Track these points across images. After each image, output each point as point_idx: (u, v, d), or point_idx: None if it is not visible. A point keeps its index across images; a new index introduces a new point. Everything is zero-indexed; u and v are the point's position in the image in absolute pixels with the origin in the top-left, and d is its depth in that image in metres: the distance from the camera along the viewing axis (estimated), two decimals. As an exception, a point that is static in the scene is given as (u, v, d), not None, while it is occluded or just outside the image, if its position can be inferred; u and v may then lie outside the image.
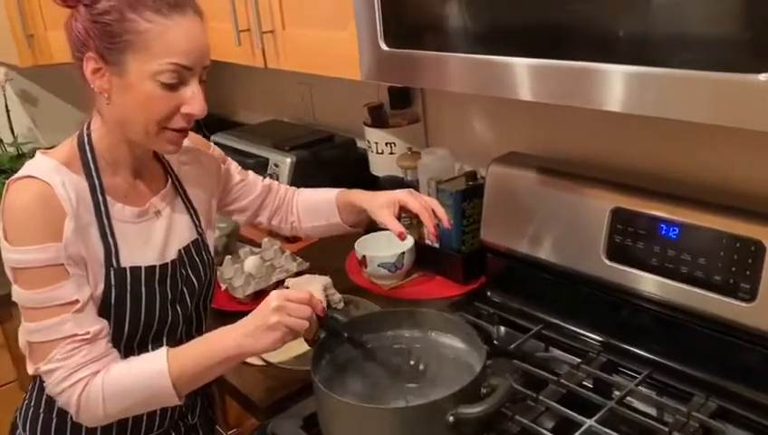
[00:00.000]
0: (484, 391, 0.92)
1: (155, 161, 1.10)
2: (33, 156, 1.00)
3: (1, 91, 2.05)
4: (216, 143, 1.91)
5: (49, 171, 0.94)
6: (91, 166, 0.98)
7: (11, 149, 2.07)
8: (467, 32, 0.92)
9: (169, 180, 1.11)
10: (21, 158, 2.01)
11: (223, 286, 1.46)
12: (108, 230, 0.98)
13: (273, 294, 0.94)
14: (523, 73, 0.86)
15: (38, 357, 0.93)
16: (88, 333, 0.92)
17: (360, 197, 1.24)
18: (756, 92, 0.63)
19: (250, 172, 1.29)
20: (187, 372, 0.94)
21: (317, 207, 1.29)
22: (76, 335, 0.91)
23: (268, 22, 1.37)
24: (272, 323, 0.92)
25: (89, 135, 1.00)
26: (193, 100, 0.95)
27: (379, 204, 1.18)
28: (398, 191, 1.19)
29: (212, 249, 1.16)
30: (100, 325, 0.94)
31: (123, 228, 1.00)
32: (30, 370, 0.96)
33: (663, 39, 0.72)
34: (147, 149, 1.03)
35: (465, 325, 1.05)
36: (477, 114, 1.52)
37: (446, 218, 1.17)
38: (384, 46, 1.00)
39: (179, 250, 1.08)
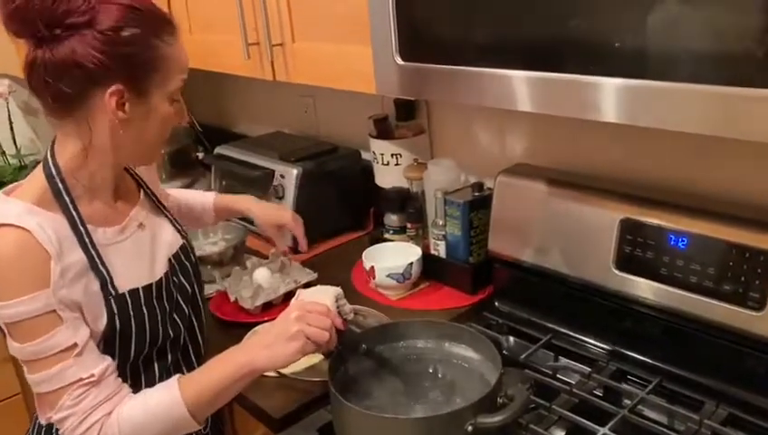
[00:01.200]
0: (500, 401, 0.93)
1: (126, 175, 1.08)
2: (35, 167, 0.97)
3: (4, 103, 2.05)
4: (220, 155, 1.93)
5: (23, 215, 0.89)
6: (66, 199, 0.93)
7: (14, 161, 2.07)
8: (481, 46, 0.93)
9: (141, 191, 1.09)
10: (23, 169, 2.01)
11: (232, 297, 1.46)
12: (98, 260, 0.95)
13: (294, 304, 0.95)
14: (535, 86, 0.88)
15: (48, 407, 0.92)
16: (93, 375, 0.90)
17: (250, 205, 1.41)
18: (762, 106, 0.65)
19: None
20: (202, 398, 0.94)
21: (190, 208, 1.38)
22: (81, 380, 0.89)
23: (278, 35, 1.39)
24: (293, 333, 0.93)
25: (56, 166, 0.94)
26: (182, 110, 0.99)
27: (269, 222, 1.40)
28: (286, 214, 1.42)
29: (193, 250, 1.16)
30: (104, 364, 0.93)
31: (110, 252, 0.97)
32: (42, 420, 0.95)
33: (670, 54, 0.75)
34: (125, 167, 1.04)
35: (480, 335, 1.06)
36: (482, 126, 1.54)
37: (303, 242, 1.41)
38: (399, 61, 1.02)
39: (169, 259, 1.06)
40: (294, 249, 1.49)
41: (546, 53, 0.86)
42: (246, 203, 1.42)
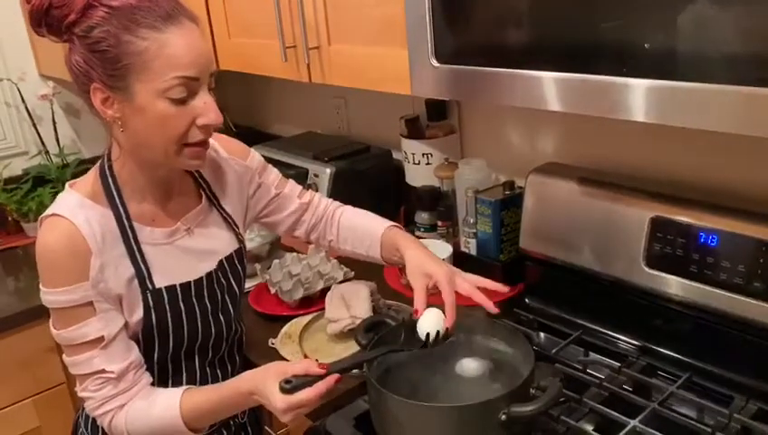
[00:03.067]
0: (533, 392, 0.96)
1: (186, 178, 1.09)
2: (77, 166, 1.03)
3: (48, 104, 2.13)
4: (255, 154, 1.98)
5: (74, 208, 0.96)
6: (115, 196, 0.99)
7: (56, 160, 2.15)
8: (514, 49, 0.97)
9: (203, 196, 1.11)
10: (66, 168, 2.09)
11: (273, 290, 1.50)
12: (138, 256, 1.00)
13: (278, 403, 0.91)
14: (566, 87, 0.91)
15: (78, 384, 1.01)
16: (113, 372, 0.97)
17: (406, 245, 1.12)
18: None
19: (288, 184, 1.25)
20: (201, 419, 1.00)
21: (360, 236, 1.22)
22: (104, 371, 0.97)
23: (314, 38, 1.43)
24: (287, 419, 0.93)
25: (110, 166, 1.00)
26: (206, 109, 0.93)
27: (417, 271, 1.07)
28: (440, 270, 1.06)
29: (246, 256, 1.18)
30: (128, 361, 0.99)
31: (155, 251, 1.02)
32: (78, 392, 1.03)
33: (697, 55, 0.77)
34: (171, 169, 1.02)
35: (513, 329, 1.10)
36: (512, 126, 1.57)
37: (489, 304, 1.06)
38: (435, 63, 1.05)
39: (221, 260, 1.10)
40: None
41: (577, 54, 0.89)
42: (407, 241, 1.14)
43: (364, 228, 1.22)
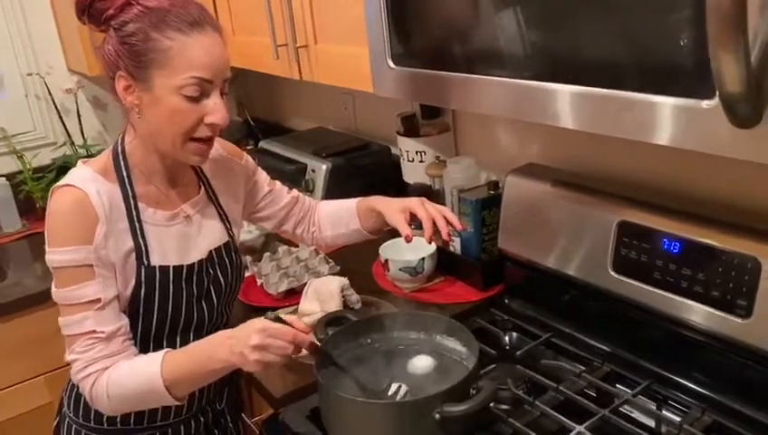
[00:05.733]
0: (473, 392, 0.97)
1: (189, 170, 1.18)
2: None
3: (73, 97, 2.24)
4: (262, 149, 2.04)
5: (86, 180, 1.04)
6: (125, 175, 1.08)
7: (81, 151, 2.25)
8: (466, 53, 0.97)
9: (202, 188, 1.19)
10: (90, 158, 2.19)
11: (259, 281, 1.55)
12: (139, 232, 1.07)
13: (257, 327, 0.98)
14: (511, 92, 0.91)
15: (67, 347, 1.05)
16: (104, 332, 1.02)
17: (378, 201, 1.30)
18: (703, 118, 0.66)
19: (277, 183, 1.37)
20: (179, 381, 1.02)
21: (338, 215, 1.36)
22: (94, 332, 1.01)
23: (303, 37, 1.46)
24: (251, 360, 0.97)
25: (123, 147, 1.09)
26: (215, 110, 1.02)
27: (393, 209, 1.24)
28: (411, 199, 1.24)
29: (238, 251, 1.24)
30: (118, 325, 1.04)
31: (154, 231, 1.09)
32: (64, 357, 1.07)
33: (621, 64, 0.77)
34: (176, 159, 1.10)
35: (466, 330, 1.10)
36: (504, 125, 1.56)
37: (456, 222, 1.21)
38: (391, 64, 1.07)
39: (210, 251, 1.16)
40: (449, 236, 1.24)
41: (521, 61, 0.89)
42: (378, 200, 1.33)
43: (340, 209, 1.37)
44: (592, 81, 0.78)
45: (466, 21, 0.94)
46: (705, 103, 0.65)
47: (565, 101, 0.82)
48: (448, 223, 1.20)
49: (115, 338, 1.03)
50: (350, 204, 1.35)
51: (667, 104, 0.70)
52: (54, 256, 1.02)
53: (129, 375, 1.02)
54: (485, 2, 0.90)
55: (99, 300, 1.02)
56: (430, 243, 1.20)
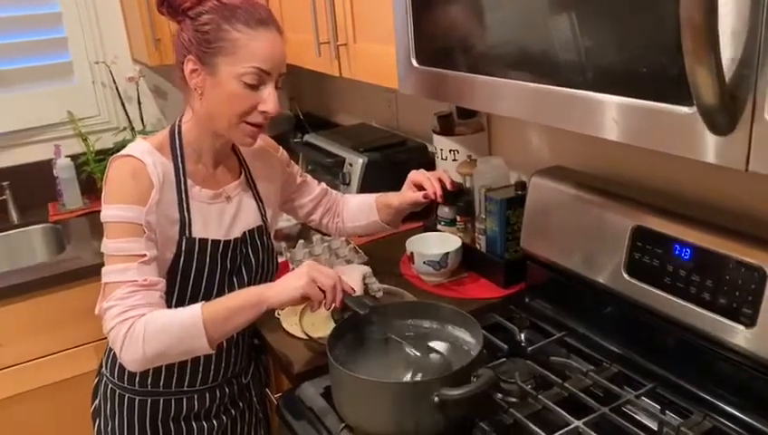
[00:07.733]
0: (473, 379, 1.01)
1: (233, 156, 1.30)
2: None
3: (135, 85, 2.38)
4: (307, 142, 2.13)
5: (144, 152, 1.14)
6: (178, 152, 1.18)
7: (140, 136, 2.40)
8: (488, 55, 1.01)
9: (243, 173, 1.30)
10: (147, 144, 2.33)
11: (291, 267, 1.63)
12: (185, 205, 1.17)
13: (307, 262, 1.12)
14: (526, 95, 0.95)
15: (104, 296, 1.09)
16: (146, 280, 1.08)
17: (392, 195, 1.47)
18: (683, 123, 0.68)
19: (308, 175, 1.51)
20: (217, 318, 1.07)
21: (360, 208, 1.51)
22: (136, 281, 1.07)
23: (343, 35, 1.53)
24: (300, 274, 1.09)
25: (179, 127, 1.20)
26: (268, 99, 1.13)
27: (402, 192, 1.45)
28: (414, 174, 1.45)
29: (272, 236, 1.33)
30: (158, 279, 1.11)
31: (198, 207, 1.20)
32: (96, 310, 1.12)
33: (607, 69, 0.80)
34: (227, 141, 1.22)
35: (475, 322, 1.15)
36: (535, 128, 1.59)
37: (448, 181, 1.41)
38: (415, 63, 1.12)
39: (245, 231, 1.26)
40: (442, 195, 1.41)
41: (538, 65, 0.92)
42: (391, 195, 1.48)
43: (362, 202, 1.53)
44: (606, 87, 0.81)
45: (485, 24, 0.99)
46: (686, 110, 0.68)
47: (578, 108, 0.86)
48: (441, 183, 1.41)
49: (154, 290, 1.09)
50: (371, 198, 1.51)
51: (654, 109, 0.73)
52: (109, 211, 1.10)
53: (168, 314, 1.07)
54: (501, 5, 0.94)
55: (144, 255, 1.09)
56: (437, 199, 1.41)
